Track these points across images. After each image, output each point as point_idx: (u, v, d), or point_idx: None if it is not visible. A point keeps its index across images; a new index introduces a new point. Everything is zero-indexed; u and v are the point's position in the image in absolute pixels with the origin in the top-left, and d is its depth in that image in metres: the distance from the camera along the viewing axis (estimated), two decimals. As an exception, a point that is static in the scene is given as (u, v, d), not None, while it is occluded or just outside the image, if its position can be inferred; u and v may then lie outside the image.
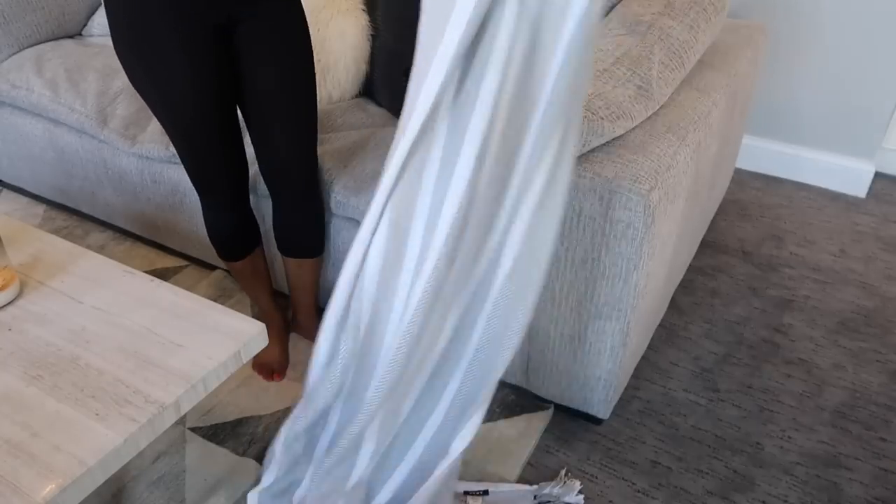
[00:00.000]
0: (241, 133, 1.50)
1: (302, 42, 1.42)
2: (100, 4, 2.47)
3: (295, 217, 1.62)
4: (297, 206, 1.60)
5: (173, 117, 1.40)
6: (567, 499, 1.47)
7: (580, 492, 1.49)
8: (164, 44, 1.30)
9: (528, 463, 1.56)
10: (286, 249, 1.67)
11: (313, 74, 1.46)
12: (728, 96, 1.60)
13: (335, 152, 1.72)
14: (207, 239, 1.99)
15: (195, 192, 1.91)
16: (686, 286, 2.06)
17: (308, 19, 1.55)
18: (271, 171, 1.54)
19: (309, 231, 1.64)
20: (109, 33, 1.36)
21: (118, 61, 2.18)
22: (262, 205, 1.80)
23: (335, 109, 1.95)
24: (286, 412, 1.67)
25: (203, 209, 1.61)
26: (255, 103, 1.44)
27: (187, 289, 2.04)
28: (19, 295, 1.24)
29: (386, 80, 1.94)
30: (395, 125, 1.90)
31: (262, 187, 1.72)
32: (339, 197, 1.66)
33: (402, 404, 1.25)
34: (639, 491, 1.50)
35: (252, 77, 1.40)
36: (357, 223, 1.68)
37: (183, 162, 1.50)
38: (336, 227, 1.72)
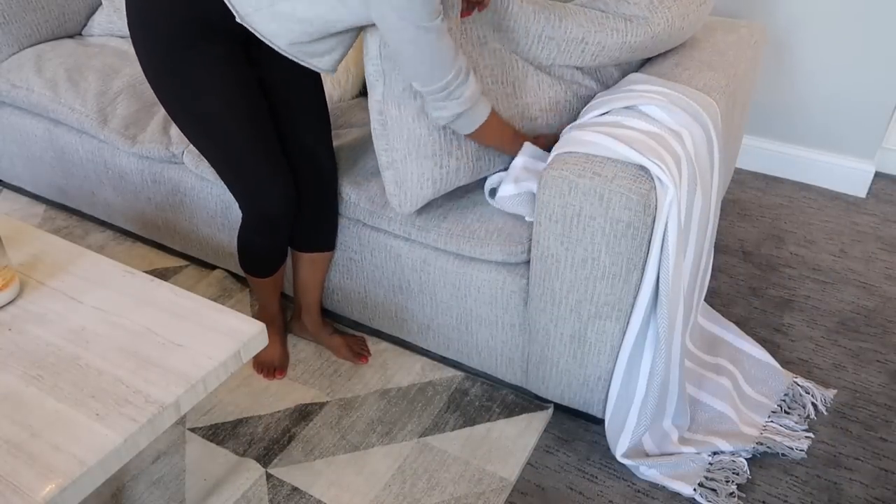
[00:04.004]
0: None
1: None
2: (99, 4, 2.47)
3: (318, 211, 1.64)
4: (322, 198, 1.63)
5: (230, 130, 1.42)
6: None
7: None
8: (204, 62, 1.36)
9: (528, 463, 1.56)
10: (304, 245, 1.69)
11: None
12: (728, 96, 1.60)
13: (337, 151, 1.73)
14: (207, 239, 1.99)
15: (196, 193, 1.91)
16: (686, 286, 2.06)
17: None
18: (299, 168, 1.58)
19: (328, 224, 1.67)
20: (146, 74, 1.40)
21: (119, 61, 2.19)
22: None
23: (336, 109, 1.95)
24: (286, 412, 1.67)
25: (248, 230, 1.59)
26: (278, 105, 1.52)
27: (187, 289, 2.04)
28: (19, 295, 1.24)
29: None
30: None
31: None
32: (341, 194, 1.66)
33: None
34: (639, 491, 1.50)
35: (273, 81, 1.50)
36: (358, 222, 1.68)
37: (242, 184, 1.50)
38: (339, 225, 1.72)
